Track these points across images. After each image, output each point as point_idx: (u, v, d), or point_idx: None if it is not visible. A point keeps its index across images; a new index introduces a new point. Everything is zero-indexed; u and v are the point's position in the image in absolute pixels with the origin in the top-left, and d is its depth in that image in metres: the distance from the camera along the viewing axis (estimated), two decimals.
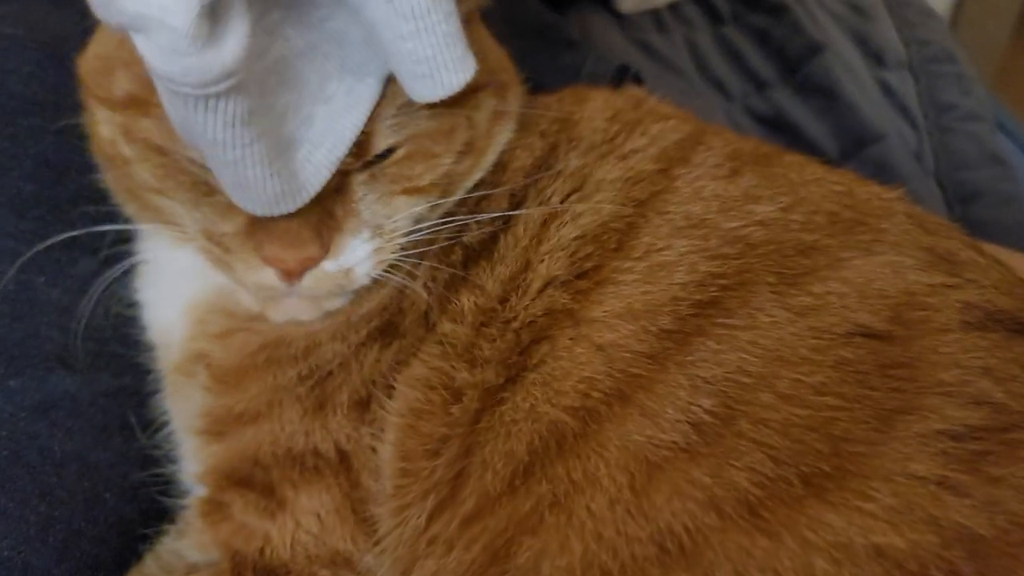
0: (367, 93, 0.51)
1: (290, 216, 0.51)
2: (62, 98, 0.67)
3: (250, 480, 0.60)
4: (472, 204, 0.63)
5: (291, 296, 0.56)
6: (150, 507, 0.64)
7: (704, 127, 0.66)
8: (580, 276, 0.57)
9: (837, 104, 1.12)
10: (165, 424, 0.67)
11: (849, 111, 1.11)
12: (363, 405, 0.59)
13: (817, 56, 1.18)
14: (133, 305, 0.68)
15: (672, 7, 1.29)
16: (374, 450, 0.59)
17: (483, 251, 0.61)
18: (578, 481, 0.50)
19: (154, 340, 0.67)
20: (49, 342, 0.63)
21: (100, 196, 0.64)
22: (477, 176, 0.63)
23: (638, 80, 0.96)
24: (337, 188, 0.53)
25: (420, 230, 0.58)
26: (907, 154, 1.09)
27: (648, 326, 0.53)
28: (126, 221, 0.63)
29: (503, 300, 0.58)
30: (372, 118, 0.51)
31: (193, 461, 0.64)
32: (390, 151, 0.55)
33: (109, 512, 0.62)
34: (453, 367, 0.57)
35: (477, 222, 0.61)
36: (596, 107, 0.67)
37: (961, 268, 0.56)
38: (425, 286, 0.60)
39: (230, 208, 0.52)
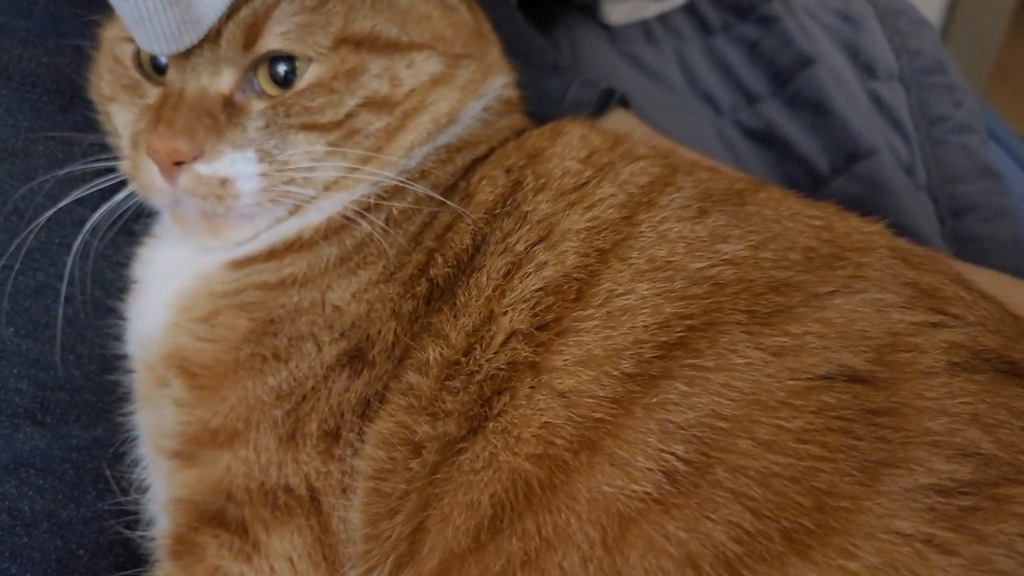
0: None
1: (179, 116, 0.57)
2: (34, 145, 0.67)
3: (222, 518, 0.59)
4: (439, 231, 0.62)
5: (182, 204, 0.61)
6: (127, 560, 0.63)
7: (677, 165, 0.64)
8: (541, 328, 0.55)
9: (828, 118, 1.10)
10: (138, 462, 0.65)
11: (840, 126, 1.09)
12: (332, 438, 0.58)
13: (808, 68, 1.16)
14: (107, 347, 0.67)
15: (661, 18, 1.27)
16: (344, 492, 0.58)
17: (447, 292, 0.60)
18: (549, 537, 0.48)
19: (133, 351, 0.66)
20: (18, 395, 0.62)
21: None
22: (406, 142, 0.64)
23: (624, 103, 0.94)
24: (233, 104, 0.59)
25: (318, 169, 0.61)
26: (898, 169, 1.07)
27: (610, 370, 0.52)
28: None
29: (467, 352, 0.57)
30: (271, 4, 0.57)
31: (163, 487, 0.63)
32: (290, 74, 0.59)
33: (84, 570, 0.61)
34: (416, 421, 0.56)
35: (443, 257, 0.61)
36: (570, 143, 0.66)
37: (946, 304, 0.55)
38: (393, 313, 0.60)
39: (148, 108, 0.61)
